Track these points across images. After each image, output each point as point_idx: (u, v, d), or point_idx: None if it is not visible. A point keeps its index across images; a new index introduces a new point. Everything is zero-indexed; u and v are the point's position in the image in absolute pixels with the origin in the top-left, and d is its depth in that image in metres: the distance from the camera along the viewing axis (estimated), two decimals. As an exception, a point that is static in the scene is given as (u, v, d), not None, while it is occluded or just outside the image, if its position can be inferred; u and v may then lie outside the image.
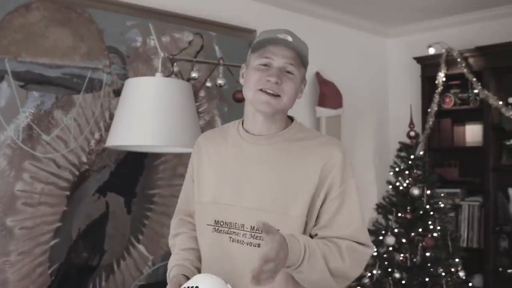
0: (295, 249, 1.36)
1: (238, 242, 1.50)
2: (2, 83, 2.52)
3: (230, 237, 1.51)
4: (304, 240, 1.40)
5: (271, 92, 1.48)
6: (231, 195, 1.53)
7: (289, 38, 1.50)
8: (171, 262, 1.63)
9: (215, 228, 1.55)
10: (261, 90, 1.49)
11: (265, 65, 1.50)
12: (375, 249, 3.46)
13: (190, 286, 1.38)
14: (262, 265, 1.25)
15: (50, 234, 2.64)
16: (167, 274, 1.61)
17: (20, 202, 2.55)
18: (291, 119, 1.64)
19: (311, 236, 1.51)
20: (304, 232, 1.50)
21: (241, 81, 1.60)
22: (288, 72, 1.50)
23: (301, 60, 1.52)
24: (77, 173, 2.74)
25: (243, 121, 1.64)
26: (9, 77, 2.53)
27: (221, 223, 1.54)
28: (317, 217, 1.51)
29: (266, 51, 1.50)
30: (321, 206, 1.50)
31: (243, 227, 1.50)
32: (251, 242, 1.49)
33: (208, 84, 2.90)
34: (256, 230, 1.48)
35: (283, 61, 1.49)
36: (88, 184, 2.78)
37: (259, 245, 1.47)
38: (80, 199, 2.75)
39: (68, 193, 2.71)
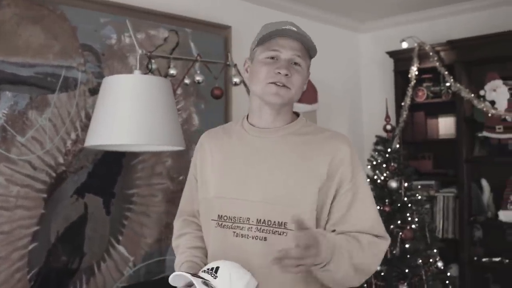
0: (325, 246, 1.34)
1: (242, 237, 1.48)
2: (-26, 83, 2.43)
3: (234, 232, 1.49)
4: (331, 238, 1.39)
5: (281, 84, 1.47)
6: (236, 188, 1.51)
7: (294, 29, 1.49)
8: (179, 260, 1.59)
9: (218, 223, 1.53)
10: (271, 83, 1.48)
11: (272, 57, 1.49)
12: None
13: (211, 267, 1.38)
14: (292, 250, 1.25)
15: (28, 238, 2.56)
16: (179, 271, 1.56)
17: (-4, 206, 2.47)
18: (296, 114, 1.63)
19: None
20: (319, 226, 1.49)
21: (245, 76, 1.58)
22: (296, 63, 1.50)
23: (307, 51, 1.52)
24: (54, 174, 2.67)
25: (247, 116, 1.62)
26: (-19, 77, 2.45)
27: (225, 217, 1.51)
28: (329, 212, 1.50)
29: (273, 44, 1.49)
30: (332, 201, 1.50)
31: (249, 220, 1.48)
32: (256, 236, 1.47)
33: (187, 81, 2.87)
34: (263, 223, 1.46)
35: (291, 53, 1.49)
36: (66, 185, 2.72)
37: (265, 239, 1.46)
38: (58, 201, 2.68)
39: (45, 195, 2.63)
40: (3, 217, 2.49)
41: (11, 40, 2.55)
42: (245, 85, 2.86)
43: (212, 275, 1.36)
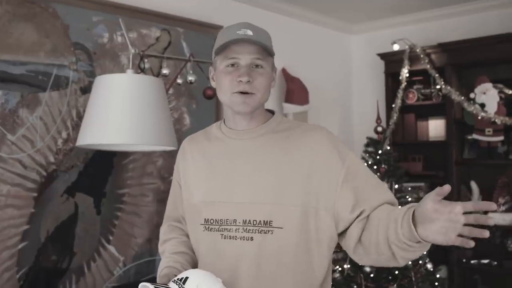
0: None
1: (230, 238, 1.48)
2: (-36, 81, 2.41)
3: (222, 234, 1.49)
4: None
5: (245, 91, 1.47)
6: (221, 192, 1.52)
7: (249, 32, 1.47)
8: (161, 265, 1.60)
9: (205, 227, 1.53)
10: (235, 93, 1.47)
11: (232, 65, 1.48)
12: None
13: (180, 277, 1.38)
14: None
15: (17, 237, 2.54)
16: (158, 276, 1.57)
17: (-15, 205, 2.45)
18: (272, 112, 1.63)
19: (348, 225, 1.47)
20: (315, 222, 1.47)
21: (213, 84, 1.58)
22: (257, 66, 1.49)
23: (267, 51, 1.50)
24: (44, 173, 2.65)
25: (224, 120, 1.63)
26: (-29, 75, 2.43)
27: (211, 221, 1.52)
28: (339, 204, 1.46)
29: (230, 52, 1.48)
30: (338, 195, 1.46)
31: (235, 222, 1.48)
32: (243, 236, 1.47)
33: (179, 80, 2.86)
34: (248, 223, 1.47)
35: (250, 58, 1.47)
36: (56, 184, 2.70)
37: (251, 238, 1.46)
38: (48, 200, 2.66)
39: (35, 194, 2.62)
40: (-8, 216, 2.47)
41: (2, 38, 2.53)
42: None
43: (180, 285, 1.36)
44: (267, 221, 1.46)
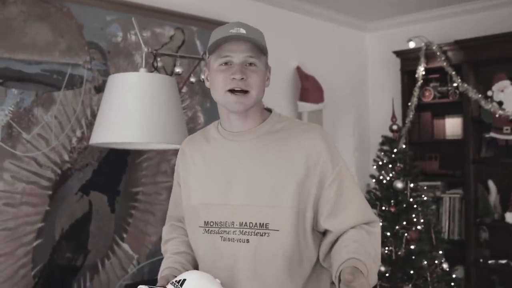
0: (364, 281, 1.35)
1: (229, 240, 1.50)
2: (-20, 80, 2.44)
3: (221, 237, 1.51)
4: (364, 266, 1.38)
5: (239, 89, 1.46)
6: (219, 194, 1.53)
7: (242, 31, 1.47)
8: (162, 266, 1.62)
9: (205, 229, 1.54)
10: (229, 90, 1.47)
11: (225, 63, 1.48)
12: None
13: (178, 279, 1.39)
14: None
15: (32, 235, 2.57)
16: (158, 278, 1.58)
17: (1, 203, 2.48)
18: (269, 110, 1.62)
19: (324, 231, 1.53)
20: (303, 223, 1.49)
21: (207, 84, 1.58)
22: (251, 64, 1.48)
23: (260, 49, 1.50)
24: (59, 171, 2.68)
25: (220, 121, 1.63)
26: (-13, 74, 2.46)
27: (211, 223, 1.53)
28: (318, 206, 1.50)
29: (223, 50, 1.48)
30: (319, 196, 1.50)
31: (233, 224, 1.50)
32: (240, 238, 1.49)
33: (192, 79, 2.86)
34: (245, 225, 1.48)
35: (243, 56, 1.47)
36: (71, 183, 2.72)
37: (247, 241, 1.48)
38: (63, 198, 2.69)
39: (50, 192, 2.64)
40: (8, 213, 2.50)
41: (18, 37, 2.56)
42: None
43: (177, 287, 1.37)
44: (263, 224, 1.47)
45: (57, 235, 2.66)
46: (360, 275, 1.31)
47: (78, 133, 2.75)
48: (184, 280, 1.37)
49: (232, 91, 1.46)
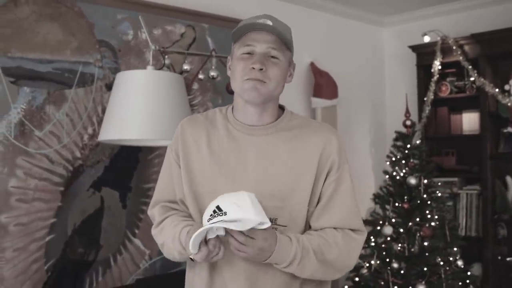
0: (284, 251, 1.40)
1: None
2: (-7, 79, 2.50)
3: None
4: (297, 245, 1.42)
5: (256, 78, 1.46)
6: (229, 186, 1.48)
7: (269, 22, 1.47)
8: (174, 233, 1.50)
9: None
10: (247, 79, 1.47)
11: (248, 53, 1.48)
12: (373, 240, 3.45)
13: (210, 212, 1.36)
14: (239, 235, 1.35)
15: (45, 230, 2.63)
16: (178, 242, 1.48)
17: (14, 199, 2.54)
18: (281, 108, 1.61)
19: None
20: (307, 221, 1.52)
21: (229, 73, 1.57)
22: (273, 57, 1.48)
23: (284, 44, 1.49)
24: (71, 168, 2.73)
25: (232, 109, 1.60)
26: (0, 73, 2.51)
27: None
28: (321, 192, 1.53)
29: (247, 39, 1.48)
30: (321, 190, 1.53)
31: None
32: None
33: (201, 76, 2.88)
34: None
35: (265, 46, 1.47)
36: (83, 179, 2.77)
37: None
38: (75, 194, 2.74)
39: (62, 188, 2.69)
40: (21, 209, 2.55)
41: (30, 37, 2.61)
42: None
43: (220, 214, 1.32)
44: (272, 219, 1.45)
45: (69, 231, 2.71)
46: (270, 244, 1.38)
47: (90, 130, 2.80)
48: (217, 206, 1.34)
49: (250, 79, 1.46)
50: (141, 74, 2.46)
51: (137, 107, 2.35)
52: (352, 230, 1.52)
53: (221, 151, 1.54)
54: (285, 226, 1.47)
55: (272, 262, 1.41)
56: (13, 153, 2.54)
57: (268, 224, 1.36)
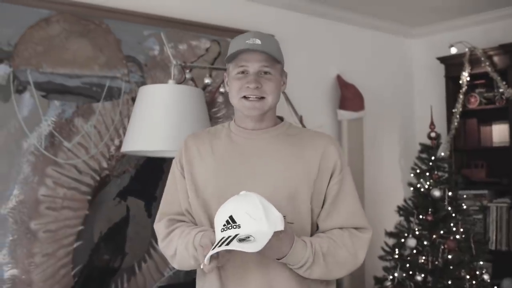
0: (297, 253, 1.47)
1: None
2: (25, 93, 2.65)
3: None
4: (310, 251, 1.49)
5: (254, 96, 1.56)
6: (235, 188, 1.52)
7: (258, 41, 1.55)
8: (186, 241, 1.53)
9: None
10: (244, 97, 1.57)
11: (242, 72, 1.58)
12: (397, 252, 3.43)
13: (223, 223, 1.36)
14: None
15: (73, 237, 2.75)
16: (193, 248, 1.51)
17: (44, 207, 2.67)
18: (281, 119, 1.72)
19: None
20: (315, 219, 1.60)
21: (226, 89, 1.68)
22: (266, 72, 1.58)
23: (274, 59, 1.58)
24: (98, 178, 2.85)
25: (234, 120, 1.71)
26: (32, 88, 2.66)
27: None
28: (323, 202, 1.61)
29: (240, 60, 1.58)
30: (325, 192, 1.61)
31: None
32: None
33: (222, 90, 2.96)
34: None
35: (258, 66, 1.57)
36: (109, 188, 2.89)
37: None
38: (101, 203, 2.85)
39: (89, 197, 2.82)
40: (50, 216, 2.69)
41: (60, 53, 2.76)
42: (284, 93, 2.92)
43: (234, 227, 1.33)
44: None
45: (96, 238, 2.83)
46: (285, 244, 1.44)
47: (116, 142, 2.92)
48: (230, 216, 1.34)
49: (246, 97, 1.57)
50: (162, 88, 2.56)
51: (158, 119, 2.45)
52: (357, 228, 1.60)
53: (224, 155, 1.63)
54: (292, 223, 1.53)
55: (284, 261, 1.49)
56: (43, 163, 2.68)
57: (281, 227, 1.39)
